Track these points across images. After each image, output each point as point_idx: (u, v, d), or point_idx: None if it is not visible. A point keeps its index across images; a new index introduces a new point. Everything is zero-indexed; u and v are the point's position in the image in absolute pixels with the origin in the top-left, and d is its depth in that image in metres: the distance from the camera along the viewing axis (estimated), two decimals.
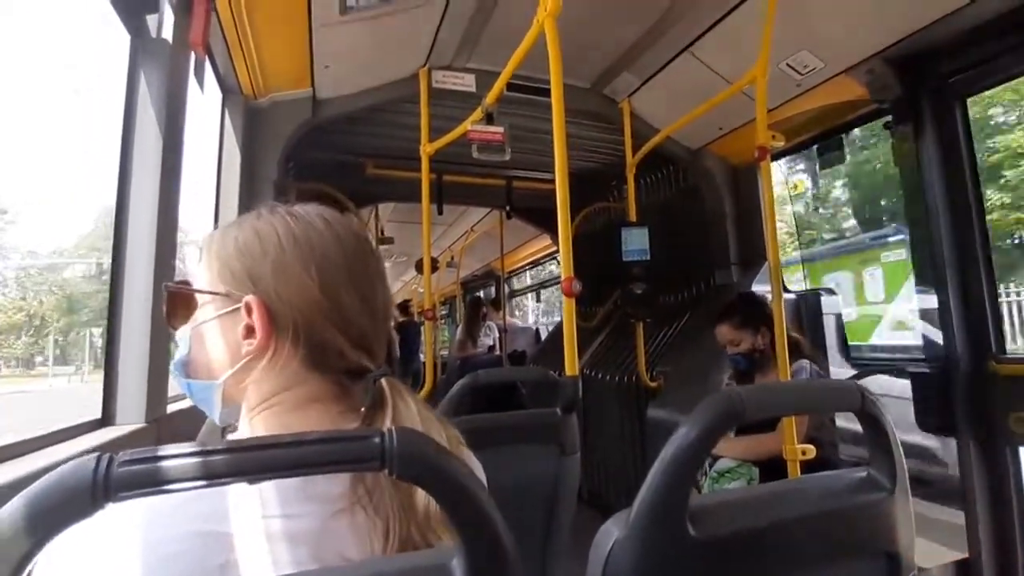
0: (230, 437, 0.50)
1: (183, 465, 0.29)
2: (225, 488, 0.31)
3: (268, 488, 0.41)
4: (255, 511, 0.40)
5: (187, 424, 1.19)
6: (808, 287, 2.71)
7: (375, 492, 0.42)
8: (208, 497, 0.38)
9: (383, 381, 0.47)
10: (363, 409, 0.47)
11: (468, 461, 0.50)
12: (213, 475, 0.29)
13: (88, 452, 0.29)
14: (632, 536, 0.42)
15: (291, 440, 0.31)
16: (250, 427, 0.48)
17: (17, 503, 0.27)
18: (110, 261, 1.03)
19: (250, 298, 0.47)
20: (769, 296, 1.68)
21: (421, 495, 0.42)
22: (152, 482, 0.28)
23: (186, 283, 0.51)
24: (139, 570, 0.37)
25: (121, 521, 0.38)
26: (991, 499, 1.61)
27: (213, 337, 0.49)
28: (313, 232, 0.50)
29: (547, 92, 1.38)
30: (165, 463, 0.28)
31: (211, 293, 0.49)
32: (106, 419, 0.96)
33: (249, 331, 0.47)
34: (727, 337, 1.76)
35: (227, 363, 0.48)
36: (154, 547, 0.38)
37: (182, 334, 0.51)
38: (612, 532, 0.44)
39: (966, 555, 1.63)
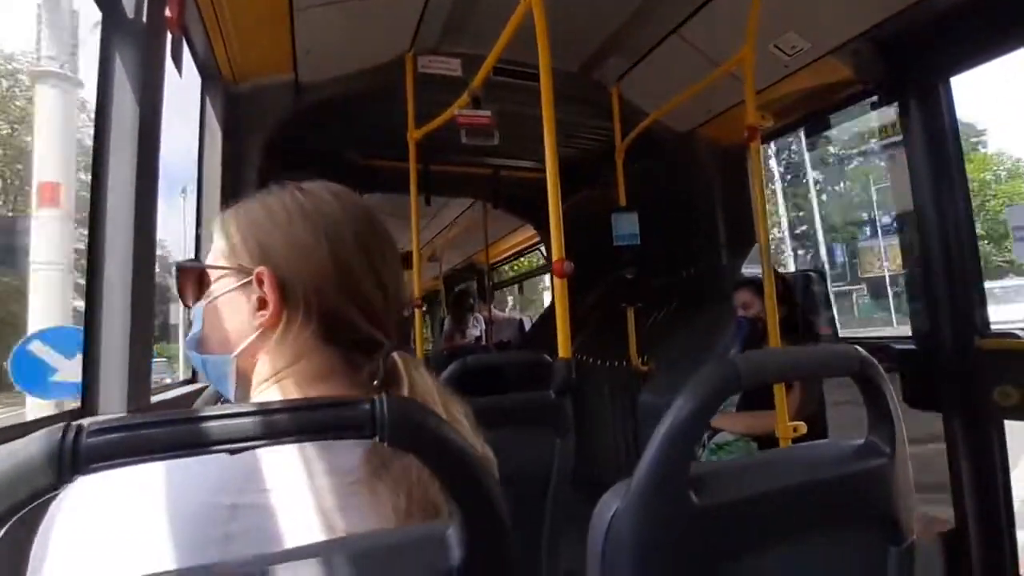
0: None
1: (159, 434, 0.27)
2: (235, 458, 0.29)
3: (277, 459, 0.39)
4: (263, 483, 0.39)
5: None
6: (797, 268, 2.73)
7: (392, 462, 0.41)
8: (215, 466, 0.37)
9: (396, 355, 0.47)
10: (375, 383, 0.46)
11: (485, 447, 0.49)
12: (191, 444, 0.27)
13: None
14: (633, 505, 0.41)
15: (276, 407, 0.29)
16: (264, 398, 0.48)
17: None
18: (86, 248, 1.00)
19: (261, 269, 0.47)
20: (759, 274, 1.69)
21: None
22: (125, 452, 0.26)
23: (196, 260, 0.52)
24: (138, 537, 0.36)
25: (119, 487, 0.37)
26: (975, 471, 1.64)
27: (226, 311, 0.50)
28: (323, 205, 0.50)
29: (535, 76, 1.36)
30: (139, 432, 0.27)
31: (221, 268, 0.50)
32: (86, 409, 0.93)
33: (261, 303, 0.47)
34: (742, 299, 1.86)
35: (241, 336, 0.48)
36: (154, 515, 0.36)
37: (196, 310, 0.51)
38: (612, 503, 0.43)
39: (953, 526, 1.66)
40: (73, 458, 0.25)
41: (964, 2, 1.56)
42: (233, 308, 0.49)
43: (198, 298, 0.51)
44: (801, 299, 1.90)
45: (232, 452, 0.29)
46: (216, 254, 0.51)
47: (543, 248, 4.79)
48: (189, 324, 0.54)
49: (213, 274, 0.50)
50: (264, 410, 0.29)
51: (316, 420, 0.30)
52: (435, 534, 0.36)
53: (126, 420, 0.27)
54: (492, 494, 0.35)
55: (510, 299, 8.10)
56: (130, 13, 1.16)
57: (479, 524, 0.35)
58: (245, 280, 0.48)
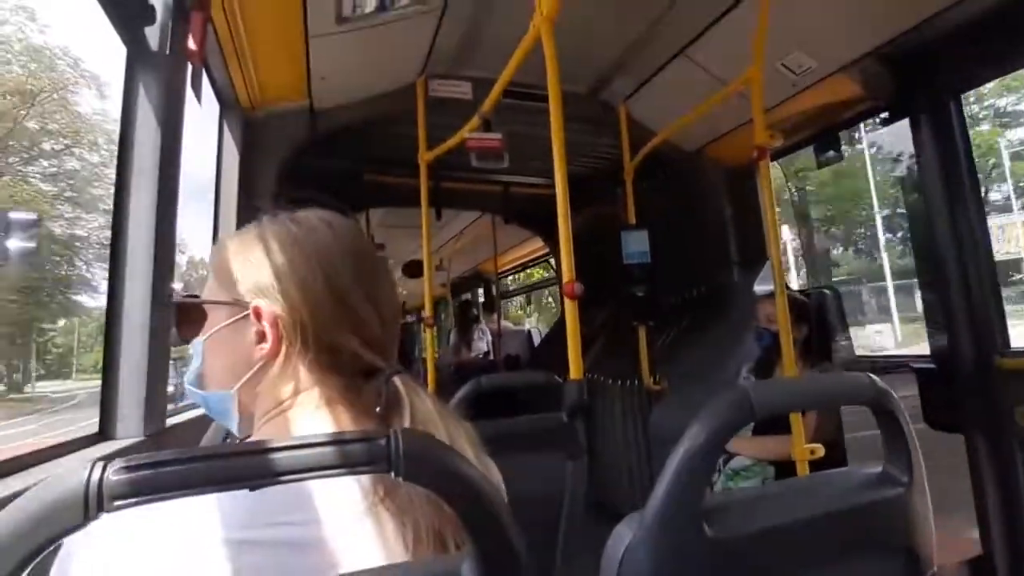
0: None
1: (182, 472, 0.28)
2: (242, 493, 0.30)
3: (280, 492, 0.40)
4: (270, 517, 0.39)
5: (187, 437, 1.18)
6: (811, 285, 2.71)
7: (397, 493, 0.41)
8: (224, 501, 0.37)
9: (397, 380, 0.47)
10: (378, 410, 0.47)
11: (489, 467, 0.49)
12: (213, 481, 0.28)
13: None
14: (646, 538, 0.41)
15: (294, 443, 0.30)
16: (264, 433, 0.48)
17: (4, 516, 0.26)
18: (107, 274, 1.02)
19: (257, 304, 0.47)
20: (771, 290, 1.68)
21: None
22: (149, 490, 0.27)
23: (194, 296, 0.52)
24: (150, 572, 0.36)
25: (131, 521, 0.37)
26: (1000, 493, 1.60)
27: (225, 347, 0.50)
28: (315, 235, 0.50)
29: (544, 98, 1.38)
30: (162, 469, 0.27)
31: (218, 303, 0.50)
32: (104, 433, 0.94)
33: (260, 336, 0.47)
34: (766, 311, 1.83)
35: (241, 371, 0.48)
36: (164, 550, 0.37)
37: (195, 346, 0.52)
38: (625, 534, 0.42)
39: (980, 553, 1.61)
40: (99, 497, 0.26)
41: (972, 18, 1.56)
42: (232, 342, 0.49)
43: (196, 333, 0.51)
44: (815, 318, 1.88)
45: (252, 488, 0.29)
46: (212, 289, 0.51)
47: (552, 260, 4.77)
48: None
49: (211, 310, 0.51)
50: (282, 447, 0.30)
51: (333, 457, 0.30)
52: (449, 568, 0.36)
53: (151, 458, 0.28)
54: (509, 530, 0.35)
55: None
56: (154, 46, 1.20)
57: (495, 559, 0.35)
58: (242, 314, 0.48)
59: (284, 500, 0.39)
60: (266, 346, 0.47)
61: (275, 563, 0.38)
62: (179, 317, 0.52)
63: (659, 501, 0.42)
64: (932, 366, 1.75)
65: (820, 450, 1.44)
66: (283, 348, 0.47)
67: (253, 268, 0.49)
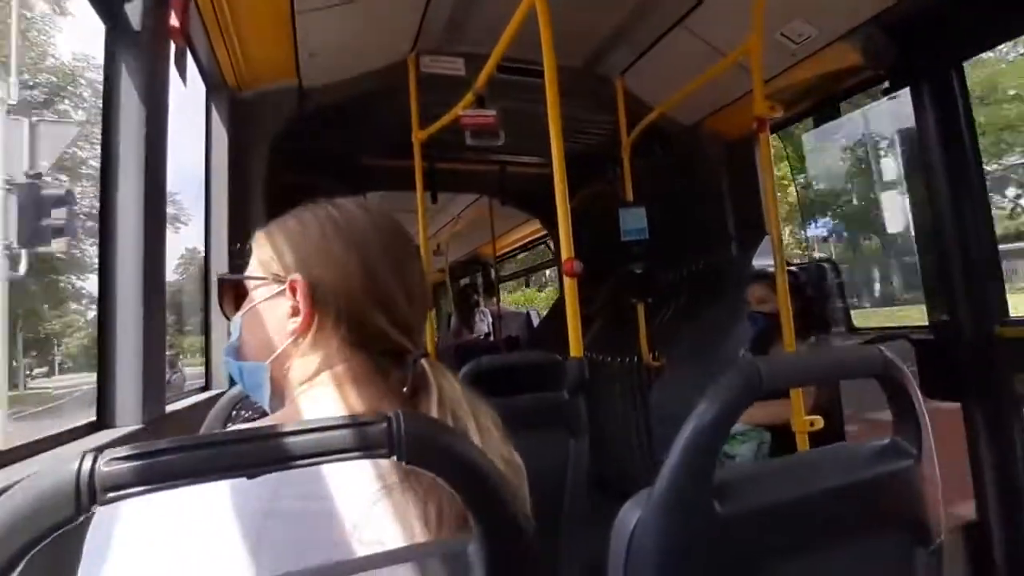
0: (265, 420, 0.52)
1: (176, 461, 0.26)
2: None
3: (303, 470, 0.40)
4: (293, 491, 0.39)
5: (187, 424, 1.17)
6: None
7: (419, 474, 0.41)
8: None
9: (424, 362, 0.48)
10: (405, 390, 0.48)
11: (512, 450, 0.50)
12: (209, 470, 0.27)
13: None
14: (655, 515, 0.41)
15: (292, 429, 0.29)
16: (293, 406, 0.50)
17: None
18: (97, 259, 1.00)
19: (294, 277, 0.50)
20: (771, 268, 1.67)
21: None
22: (143, 480, 0.26)
23: (234, 275, 0.56)
24: (170, 549, 0.37)
25: (155, 502, 0.37)
26: (997, 461, 1.62)
27: (261, 320, 0.52)
28: (353, 218, 0.53)
29: (539, 73, 1.35)
30: (156, 459, 0.26)
31: (257, 279, 0.53)
32: (101, 422, 0.94)
33: (295, 311, 0.50)
34: (757, 294, 1.86)
35: (275, 343, 0.51)
36: (187, 521, 0.38)
37: (234, 320, 0.55)
38: (634, 512, 0.42)
39: (974, 518, 1.64)
40: (91, 489, 0.25)
41: None
42: (268, 317, 0.52)
43: (237, 308, 0.54)
44: (815, 291, 1.87)
45: (249, 477, 0.28)
46: (253, 267, 0.54)
47: (551, 243, 4.75)
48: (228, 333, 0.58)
49: (250, 285, 0.54)
50: (279, 433, 0.29)
51: (332, 442, 0.29)
52: (456, 550, 0.35)
53: (143, 448, 0.26)
54: (514, 511, 0.34)
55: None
56: (134, 24, 1.16)
57: (501, 541, 0.34)
58: (279, 290, 0.51)
59: (307, 474, 0.39)
60: (298, 320, 0.49)
61: (296, 536, 0.38)
62: (221, 293, 0.55)
63: (669, 477, 0.41)
64: (930, 336, 1.76)
65: (819, 421, 1.45)
66: (314, 324, 0.49)
67: (290, 247, 0.52)
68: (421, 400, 0.47)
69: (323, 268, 0.50)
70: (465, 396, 0.49)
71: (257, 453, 0.28)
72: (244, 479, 0.37)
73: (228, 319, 0.56)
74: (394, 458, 0.31)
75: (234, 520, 0.38)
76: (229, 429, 0.50)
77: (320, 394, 0.49)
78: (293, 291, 0.49)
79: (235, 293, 0.54)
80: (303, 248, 0.51)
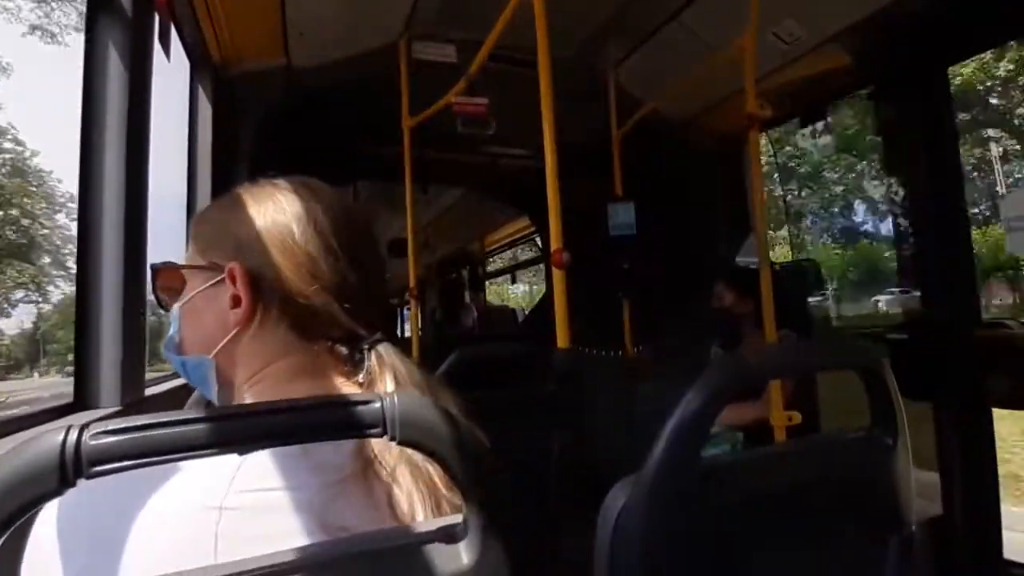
0: None
1: (166, 435, 0.26)
2: (223, 458, 0.29)
3: (265, 458, 0.38)
4: (250, 483, 0.38)
5: (167, 407, 1.15)
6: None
7: (385, 457, 0.41)
8: (202, 467, 0.35)
9: (380, 347, 0.46)
10: (360, 378, 0.45)
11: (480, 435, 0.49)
12: (200, 445, 0.27)
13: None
14: (642, 501, 0.41)
15: (286, 406, 0.28)
16: (243, 401, 0.46)
17: None
18: (76, 239, 0.97)
19: (232, 265, 0.46)
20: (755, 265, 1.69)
21: None
22: (131, 454, 0.25)
23: (169, 262, 0.51)
24: (125, 544, 0.35)
25: (102, 492, 0.35)
26: (965, 459, 1.67)
27: (201, 313, 0.49)
28: (296, 199, 0.48)
29: (531, 63, 1.34)
30: (145, 433, 0.26)
31: (193, 267, 0.49)
32: (79, 403, 0.91)
33: (236, 301, 0.46)
34: (717, 290, 1.93)
35: (217, 336, 0.47)
36: (140, 520, 0.36)
37: (172, 312, 0.50)
38: (620, 497, 0.42)
39: (940, 513, 1.69)
40: (76, 462, 0.25)
41: None
42: (208, 308, 0.48)
43: (174, 300, 0.50)
44: (796, 289, 1.91)
45: (241, 453, 0.28)
46: (190, 255, 0.50)
47: (538, 239, 4.75)
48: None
49: (188, 275, 0.50)
50: (273, 410, 0.29)
51: (326, 420, 0.29)
52: (444, 530, 0.36)
53: (131, 421, 0.26)
54: (504, 492, 0.34)
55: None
56: None
57: (488, 519, 0.34)
58: (218, 278, 0.47)
59: (264, 466, 0.38)
60: (240, 311, 0.45)
61: (254, 528, 0.37)
62: (156, 283, 0.51)
63: (656, 464, 0.42)
64: (905, 336, 1.81)
65: (797, 417, 1.48)
66: (258, 313, 0.46)
67: (230, 231, 0.48)
68: (376, 387, 0.45)
69: (265, 254, 0.46)
70: (425, 382, 0.46)
71: (249, 429, 0.28)
72: (201, 472, 0.37)
73: (165, 311, 0.52)
74: (386, 437, 0.31)
75: (189, 513, 0.36)
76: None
77: (270, 387, 0.46)
78: (233, 279, 0.45)
79: (171, 283, 0.50)
80: (242, 233, 0.47)
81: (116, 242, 0.97)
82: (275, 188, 0.49)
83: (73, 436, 0.25)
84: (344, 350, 0.47)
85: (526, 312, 5.14)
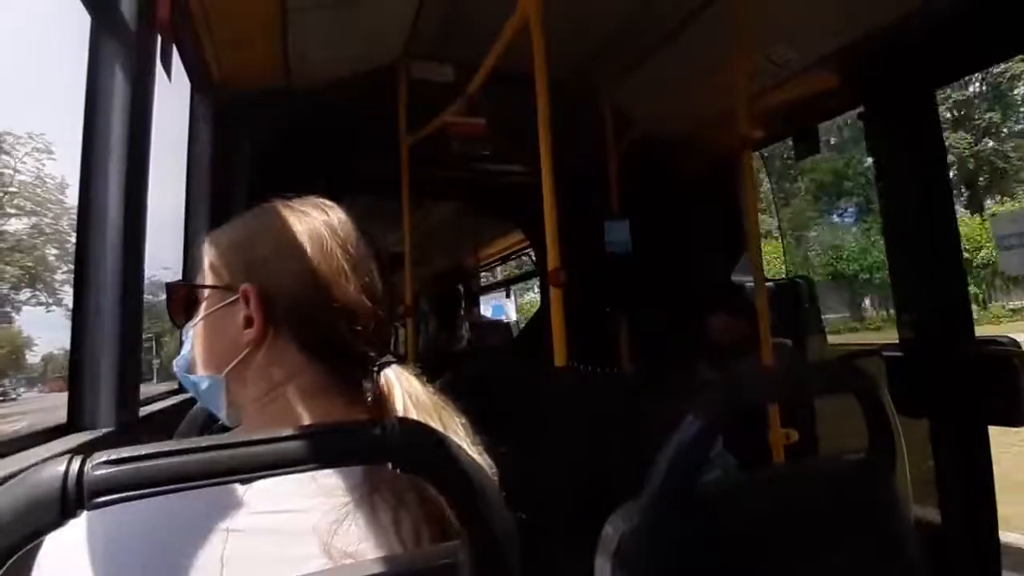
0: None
1: (167, 465, 0.26)
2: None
3: (272, 480, 0.38)
4: (256, 506, 0.38)
5: (162, 428, 1.14)
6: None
7: (392, 483, 0.41)
8: (209, 491, 0.35)
9: (390, 369, 0.47)
10: (369, 399, 0.46)
11: (485, 458, 0.49)
12: (202, 475, 0.27)
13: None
14: (642, 528, 0.41)
15: (287, 435, 0.29)
16: (253, 422, 0.47)
17: None
18: (74, 258, 0.97)
19: (246, 286, 0.47)
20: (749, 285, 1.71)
21: None
22: (132, 485, 0.25)
23: (185, 281, 0.53)
24: (131, 569, 0.35)
25: (107, 516, 0.35)
26: (962, 476, 1.67)
27: (214, 331, 0.50)
28: (308, 220, 0.50)
29: (527, 83, 1.37)
30: (147, 463, 0.26)
31: (208, 287, 0.50)
32: (73, 424, 0.90)
33: (248, 321, 0.47)
34: (712, 326, 1.93)
35: (229, 356, 0.47)
36: (146, 544, 0.36)
37: (186, 331, 0.52)
38: (620, 525, 0.42)
39: (940, 531, 1.68)
40: (78, 494, 0.25)
41: (949, 14, 1.59)
42: (221, 327, 0.49)
43: (188, 319, 0.51)
44: (790, 307, 1.92)
45: (243, 483, 0.28)
46: (204, 274, 0.51)
47: (532, 253, 4.76)
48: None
49: (202, 295, 0.50)
50: (273, 439, 0.29)
51: (328, 448, 0.29)
52: (444, 558, 0.35)
53: (133, 452, 0.26)
54: (503, 517, 0.34)
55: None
56: (124, 14, 1.14)
57: (489, 547, 0.34)
58: (231, 299, 0.47)
59: (271, 488, 0.38)
60: (252, 331, 0.46)
61: (260, 551, 0.37)
62: (170, 301, 0.52)
63: (655, 490, 0.42)
64: (900, 354, 1.81)
65: (795, 434, 1.48)
66: (270, 333, 0.46)
67: (244, 253, 0.49)
68: (387, 408, 0.46)
69: (277, 275, 0.47)
70: (433, 402, 0.47)
71: (250, 458, 0.28)
72: (207, 495, 0.37)
73: (179, 328, 0.53)
74: (388, 465, 0.31)
75: (194, 537, 0.36)
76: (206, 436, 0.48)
77: (281, 408, 0.46)
78: (246, 300, 0.47)
79: (186, 302, 0.51)
80: (255, 254, 0.48)
81: (115, 264, 0.97)
82: (288, 210, 0.50)
83: (75, 467, 0.25)
84: (354, 371, 0.48)
85: (520, 327, 5.12)
